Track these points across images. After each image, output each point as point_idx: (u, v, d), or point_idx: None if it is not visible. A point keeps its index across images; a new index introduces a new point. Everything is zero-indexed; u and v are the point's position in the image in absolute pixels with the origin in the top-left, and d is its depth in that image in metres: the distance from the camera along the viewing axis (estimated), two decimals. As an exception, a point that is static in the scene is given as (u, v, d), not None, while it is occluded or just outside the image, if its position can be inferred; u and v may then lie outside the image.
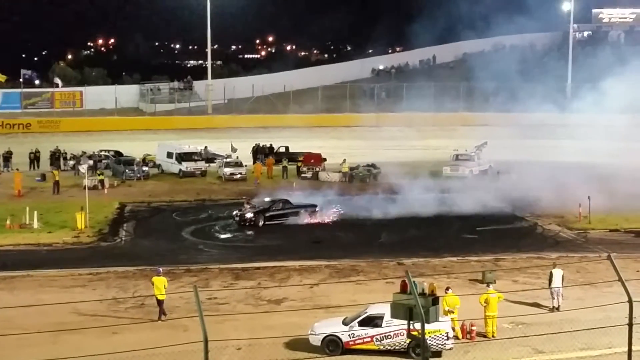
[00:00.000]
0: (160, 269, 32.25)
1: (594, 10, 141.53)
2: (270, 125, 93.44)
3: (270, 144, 72.64)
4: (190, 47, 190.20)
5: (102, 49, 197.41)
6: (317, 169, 64.12)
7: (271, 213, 48.30)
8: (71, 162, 66.25)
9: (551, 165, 64.03)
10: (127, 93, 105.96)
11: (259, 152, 71.29)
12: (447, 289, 29.38)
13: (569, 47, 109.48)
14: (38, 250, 42.60)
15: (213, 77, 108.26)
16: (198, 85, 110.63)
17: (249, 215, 47.65)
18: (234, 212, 48.73)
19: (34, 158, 67.97)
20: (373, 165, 63.51)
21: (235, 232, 46.73)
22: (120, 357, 23.35)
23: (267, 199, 49.97)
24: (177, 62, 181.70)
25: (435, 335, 26.21)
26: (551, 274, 31.84)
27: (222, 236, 46.25)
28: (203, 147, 70.66)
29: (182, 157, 65.20)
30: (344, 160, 64.20)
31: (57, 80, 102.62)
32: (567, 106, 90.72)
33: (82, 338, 28.06)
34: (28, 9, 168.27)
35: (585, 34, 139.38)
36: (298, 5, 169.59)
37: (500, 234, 46.53)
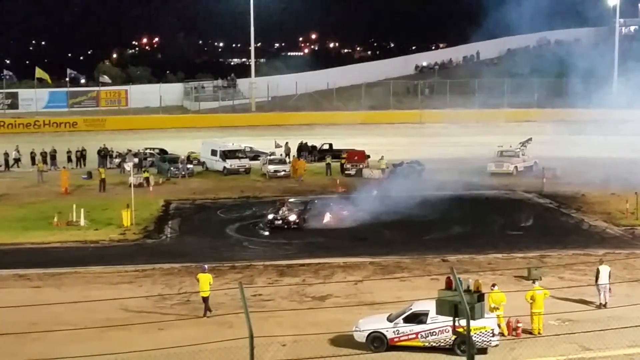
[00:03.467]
0: (206, 266, 32.37)
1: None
2: (314, 122, 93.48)
3: (310, 143, 72.80)
4: (234, 45, 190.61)
5: (147, 47, 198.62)
6: (361, 166, 64.03)
7: (309, 214, 47.99)
8: (117, 160, 66.82)
9: (597, 161, 63.58)
10: (171, 91, 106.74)
11: (303, 150, 71.48)
12: (493, 285, 29.23)
13: (615, 42, 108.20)
14: (85, 247, 43.04)
15: (256, 75, 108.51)
16: (242, 83, 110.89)
17: (293, 218, 46.76)
18: (270, 216, 47.24)
19: (80, 156, 68.73)
20: (417, 162, 63.26)
21: (279, 229, 46.60)
22: (166, 353, 23.50)
23: (292, 200, 49.75)
24: (220, 60, 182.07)
25: (480, 332, 26.06)
26: (598, 271, 31.56)
27: (266, 233, 46.32)
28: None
29: (227, 154, 65.45)
30: (382, 157, 64.12)
31: (105, 78, 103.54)
32: (614, 102, 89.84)
33: (128, 334, 28.33)
34: (72, 9, 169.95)
35: (632, 28, 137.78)
36: (341, 3, 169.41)
37: (546, 231, 46.10)
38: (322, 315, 30.44)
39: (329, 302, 32.55)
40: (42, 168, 62.91)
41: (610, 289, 31.43)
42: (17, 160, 68.27)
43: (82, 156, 68.83)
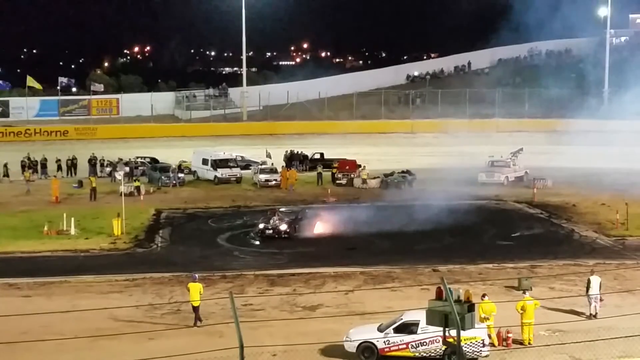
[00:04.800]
0: (196, 275, 32.32)
1: (631, 16, 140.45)
2: (305, 132, 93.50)
3: (301, 152, 73.02)
4: (226, 54, 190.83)
5: (138, 56, 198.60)
6: (352, 176, 64.04)
7: (300, 223, 47.97)
8: (108, 169, 66.69)
9: (588, 172, 63.77)
10: (162, 100, 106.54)
11: (294, 159, 71.54)
12: (484, 295, 29.24)
13: (605, 53, 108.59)
14: (75, 256, 42.91)
15: (248, 84, 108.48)
16: (233, 92, 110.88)
17: (283, 227, 46.69)
18: (260, 226, 47.20)
19: (71, 165, 68.60)
20: (408, 172, 63.35)
21: (270, 238, 46.58)
22: (156, 363, 23.43)
23: (283, 209, 49.76)
24: (212, 69, 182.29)
25: (471, 343, 26.10)
26: (589, 281, 31.59)
27: (257, 242, 46.28)
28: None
29: (218, 163, 65.39)
30: (364, 167, 64.26)
31: (98, 87, 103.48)
32: (605, 112, 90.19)
33: (118, 344, 28.27)
34: (64, 17, 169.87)
35: (622, 39, 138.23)
36: (333, 12, 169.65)
37: (537, 241, 46.14)
38: (313, 325, 30.39)
39: (320, 311, 32.55)
40: (29, 178, 62.36)
41: (601, 298, 31.49)
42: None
43: (72, 165, 68.67)
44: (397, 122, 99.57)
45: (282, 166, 66.55)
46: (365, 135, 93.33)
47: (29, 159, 68.43)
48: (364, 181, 62.46)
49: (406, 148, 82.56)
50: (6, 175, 66.46)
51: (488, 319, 28.28)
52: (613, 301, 32.58)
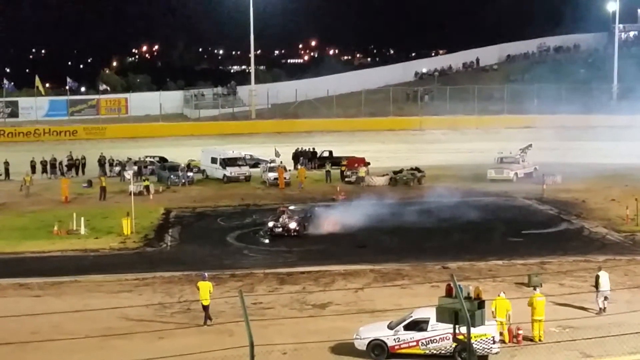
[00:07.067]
0: (206, 274, 32.31)
1: (639, 10, 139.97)
2: (314, 129, 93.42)
3: (310, 148, 73.04)
4: (234, 53, 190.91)
5: (147, 55, 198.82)
6: (361, 173, 63.97)
7: (309, 222, 47.95)
8: (117, 169, 66.81)
9: (597, 168, 63.62)
10: (171, 99, 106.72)
11: (302, 156, 71.49)
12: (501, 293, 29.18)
13: (614, 48, 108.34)
14: (85, 255, 43.00)
15: (256, 82, 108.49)
16: (242, 90, 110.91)
17: (293, 225, 46.71)
18: (270, 224, 47.17)
19: (73, 164, 68.65)
20: (417, 169, 63.24)
21: (279, 237, 46.56)
22: (166, 362, 23.45)
23: (292, 207, 49.71)
24: (220, 67, 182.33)
25: (481, 339, 26.03)
26: (597, 277, 31.52)
27: (267, 241, 46.30)
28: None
29: (227, 162, 65.41)
30: (363, 164, 64.25)
31: (104, 86, 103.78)
32: (613, 107, 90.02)
33: (129, 343, 28.29)
34: (73, 17, 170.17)
35: (631, 34, 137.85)
36: (341, 10, 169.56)
37: (546, 237, 46.03)
38: (323, 323, 30.39)
39: (330, 309, 32.51)
40: (29, 182, 60.60)
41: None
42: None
43: (80, 164, 68.70)
44: (406, 119, 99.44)
45: (279, 166, 64.67)
46: (374, 132, 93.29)
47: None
48: (362, 178, 62.36)
49: (415, 145, 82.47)
50: (7, 175, 66.79)
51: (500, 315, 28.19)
52: (623, 297, 32.48)
